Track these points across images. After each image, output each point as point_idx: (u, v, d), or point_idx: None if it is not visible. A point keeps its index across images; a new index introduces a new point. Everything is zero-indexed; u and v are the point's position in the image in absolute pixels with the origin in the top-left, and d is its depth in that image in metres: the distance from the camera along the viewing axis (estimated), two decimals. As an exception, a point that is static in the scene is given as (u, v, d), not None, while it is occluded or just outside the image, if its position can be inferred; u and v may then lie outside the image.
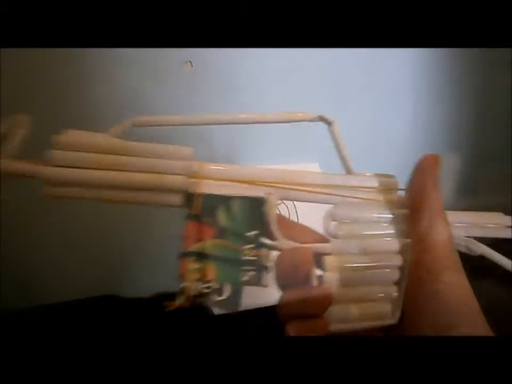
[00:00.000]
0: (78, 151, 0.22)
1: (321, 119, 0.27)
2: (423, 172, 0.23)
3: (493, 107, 0.82)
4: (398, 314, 0.23)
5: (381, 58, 0.70)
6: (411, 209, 0.23)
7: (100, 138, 0.23)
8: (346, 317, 0.23)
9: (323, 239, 0.23)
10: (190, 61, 0.58)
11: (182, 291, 0.23)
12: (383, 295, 0.23)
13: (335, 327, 0.22)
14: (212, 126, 0.29)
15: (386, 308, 0.23)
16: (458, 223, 0.25)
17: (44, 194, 0.22)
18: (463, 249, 0.25)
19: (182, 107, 0.58)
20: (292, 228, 0.24)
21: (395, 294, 0.23)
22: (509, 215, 0.27)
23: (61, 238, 0.56)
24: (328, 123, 0.27)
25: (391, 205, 0.25)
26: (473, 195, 0.82)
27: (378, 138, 0.73)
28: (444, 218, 0.23)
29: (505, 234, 0.26)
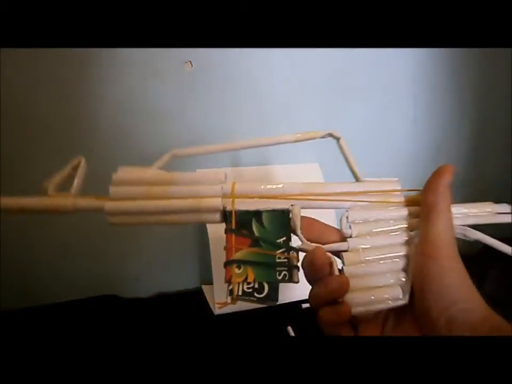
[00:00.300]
0: (132, 185, 0.27)
1: (330, 135, 0.31)
2: (438, 177, 0.28)
3: (493, 107, 0.82)
4: (407, 296, 0.27)
5: (381, 58, 0.70)
6: (424, 205, 0.28)
7: (148, 173, 0.27)
8: (365, 301, 0.27)
9: (342, 237, 0.28)
10: (190, 61, 0.58)
11: (230, 292, 0.27)
12: (393, 281, 0.28)
13: (355, 310, 0.27)
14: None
15: (398, 291, 0.27)
16: (456, 214, 0.29)
17: (110, 223, 0.27)
18: (461, 237, 0.29)
19: (182, 107, 0.58)
20: (316, 230, 0.28)
21: (404, 279, 0.28)
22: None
23: (61, 239, 0.56)
24: (337, 139, 0.31)
25: (396, 205, 0.29)
26: (475, 192, 0.82)
27: (378, 138, 0.73)
28: (448, 213, 0.27)
29: (497, 220, 0.31)
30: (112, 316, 0.52)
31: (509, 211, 0.31)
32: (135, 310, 0.56)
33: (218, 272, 0.55)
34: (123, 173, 0.27)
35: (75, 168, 0.28)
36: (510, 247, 0.30)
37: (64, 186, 0.27)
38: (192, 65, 0.58)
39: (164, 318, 0.54)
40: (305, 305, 0.50)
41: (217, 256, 0.56)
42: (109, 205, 0.26)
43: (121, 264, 0.59)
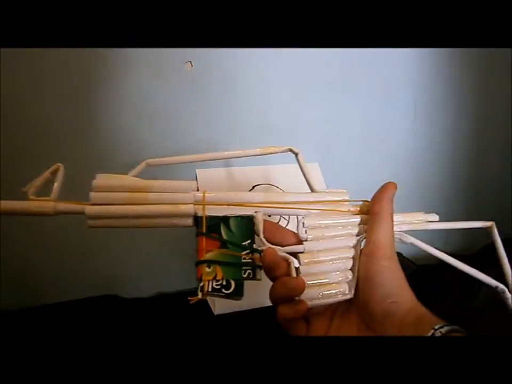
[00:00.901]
0: (113, 191, 0.29)
1: (290, 150, 0.34)
2: (384, 191, 0.33)
3: (492, 107, 0.82)
4: (353, 291, 0.31)
5: (381, 58, 0.70)
6: (371, 214, 0.32)
7: (125, 180, 0.30)
8: (318, 296, 0.31)
9: (299, 241, 0.32)
10: (190, 61, 0.58)
11: (201, 288, 0.30)
12: (341, 278, 0.32)
13: (310, 304, 0.30)
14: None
15: (345, 287, 0.32)
16: (395, 222, 0.33)
17: (88, 226, 0.29)
18: (398, 241, 0.34)
19: (182, 107, 0.58)
20: (277, 233, 0.32)
21: (350, 276, 0.32)
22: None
23: (61, 238, 0.56)
24: (295, 154, 0.34)
25: (344, 213, 0.34)
26: (473, 194, 0.82)
27: (377, 138, 0.73)
28: (390, 221, 0.32)
29: (428, 227, 0.36)
30: (112, 316, 0.52)
31: (437, 220, 0.36)
32: (135, 310, 0.56)
33: (218, 272, 0.55)
34: (102, 179, 0.29)
35: (54, 173, 0.30)
36: (438, 251, 0.35)
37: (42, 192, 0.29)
38: (192, 65, 0.58)
39: (163, 318, 0.54)
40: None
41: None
42: (89, 208, 0.29)
43: (121, 264, 0.59)
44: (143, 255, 0.60)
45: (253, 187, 0.59)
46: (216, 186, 0.56)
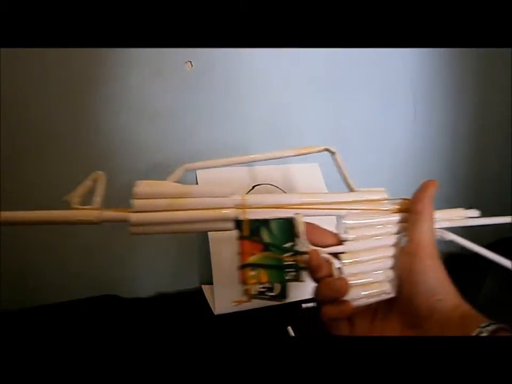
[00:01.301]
0: (154, 198, 0.29)
1: (326, 150, 0.35)
2: (425, 189, 0.33)
3: (492, 107, 0.82)
4: (395, 289, 0.32)
5: (381, 58, 0.70)
6: (412, 212, 0.32)
7: (166, 186, 0.30)
8: (361, 296, 0.31)
9: (340, 241, 0.32)
10: (190, 61, 0.58)
11: (245, 292, 0.30)
12: (383, 277, 0.32)
13: (354, 304, 0.30)
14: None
15: (387, 286, 0.32)
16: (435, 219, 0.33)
17: (131, 233, 0.29)
18: (439, 238, 0.34)
19: (182, 107, 0.58)
20: (317, 235, 0.32)
21: (391, 275, 0.32)
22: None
23: (61, 238, 0.56)
24: (332, 153, 0.35)
25: (384, 212, 0.34)
26: (473, 194, 0.82)
27: (377, 138, 0.73)
28: (431, 220, 0.32)
29: (467, 223, 0.36)
30: (112, 316, 0.52)
31: (478, 215, 0.36)
32: (135, 310, 0.56)
33: (218, 272, 0.55)
34: (143, 186, 0.30)
35: (95, 181, 0.30)
36: (479, 247, 0.35)
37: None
38: (192, 65, 0.58)
39: (164, 318, 0.54)
40: (305, 305, 0.50)
41: (217, 256, 0.56)
42: (133, 216, 0.29)
43: (121, 264, 0.59)
44: (143, 255, 0.60)
45: (253, 187, 0.59)
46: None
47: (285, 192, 0.61)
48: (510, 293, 0.56)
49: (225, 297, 0.54)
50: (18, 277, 0.54)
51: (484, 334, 0.25)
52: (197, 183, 0.58)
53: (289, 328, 0.48)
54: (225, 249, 0.56)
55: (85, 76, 0.53)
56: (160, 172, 0.58)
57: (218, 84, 0.60)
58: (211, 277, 0.55)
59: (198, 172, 0.58)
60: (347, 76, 0.68)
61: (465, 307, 0.29)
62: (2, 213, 0.27)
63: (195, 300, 0.58)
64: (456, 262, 0.38)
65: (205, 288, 0.59)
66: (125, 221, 0.29)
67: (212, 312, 0.54)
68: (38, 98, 0.51)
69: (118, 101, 0.55)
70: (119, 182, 0.56)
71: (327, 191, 0.63)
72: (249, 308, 0.53)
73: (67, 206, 0.28)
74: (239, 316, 0.52)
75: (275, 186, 0.61)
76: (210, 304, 0.55)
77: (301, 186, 0.62)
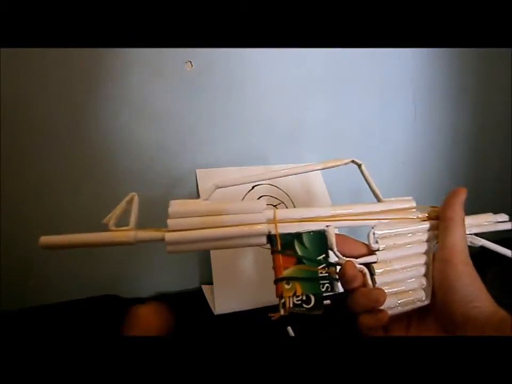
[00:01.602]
0: (187, 216, 0.30)
1: (353, 162, 0.35)
2: (455, 196, 0.33)
3: (493, 107, 0.82)
4: (429, 297, 0.32)
5: (381, 58, 0.70)
6: (443, 219, 0.33)
7: (199, 205, 0.31)
8: (396, 304, 0.32)
9: (370, 250, 0.33)
10: (190, 61, 0.58)
11: (282, 305, 0.30)
12: (417, 285, 0.33)
13: (390, 312, 0.31)
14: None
15: (421, 293, 0.32)
16: (466, 226, 0.33)
17: (168, 252, 0.30)
18: (469, 244, 0.34)
19: (182, 107, 0.58)
20: (348, 245, 0.33)
21: (425, 283, 0.33)
22: (501, 212, 0.37)
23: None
24: (358, 165, 0.35)
25: (413, 220, 0.34)
26: (473, 194, 0.82)
27: (377, 138, 0.73)
28: (462, 226, 0.32)
29: (498, 227, 0.36)
30: (112, 316, 0.52)
31: (507, 219, 0.37)
32: (135, 310, 0.56)
33: (218, 272, 0.55)
34: (177, 206, 0.31)
35: (129, 202, 0.31)
36: (510, 250, 0.35)
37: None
38: (192, 65, 0.58)
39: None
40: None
41: (217, 257, 0.56)
42: (168, 235, 0.30)
43: (121, 264, 0.59)
44: (143, 255, 0.60)
45: (253, 187, 0.59)
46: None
47: (285, 192, 0.61)
48: (510, 293, 0.56)
49: (225, 297, 0.54)
50: (18, 277, 0.54)
51: None
52: (197, 183, 0.58)
53: (289, 328, 0.48)
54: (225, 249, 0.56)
55: (85, 76, 0.53)
56: (160, 171, 0.58)
57: (218, 84, 0.60)
58: (211, 277, 0.55)
59: (197, 171, 0.58)
60: (347, 76, 0.68)
61: (502, 313, 0.29)
62: (42, 237, 0.30)
63: (195, 300, 0.58)
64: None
65: (205, 288, 0.59)
66: (161, 240, 0.30)
67: (212, 312, 0.54)
68: (38, 98, 0.51)
69: (118, 101, 0.55)
70: (119, 182, 0.56)
71: (328, 193, 0.63)
72: (249, 308, 0.53)
73: (87, 222, 0.29)
74: (239, 315, 0.52)
75: (275, 186, 0.61)
76: (210, 304, 0.55)
77: (301, 186, 0.63)
